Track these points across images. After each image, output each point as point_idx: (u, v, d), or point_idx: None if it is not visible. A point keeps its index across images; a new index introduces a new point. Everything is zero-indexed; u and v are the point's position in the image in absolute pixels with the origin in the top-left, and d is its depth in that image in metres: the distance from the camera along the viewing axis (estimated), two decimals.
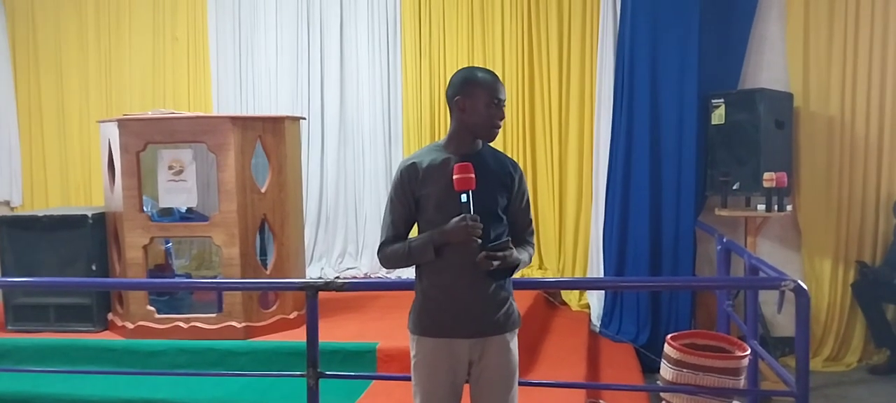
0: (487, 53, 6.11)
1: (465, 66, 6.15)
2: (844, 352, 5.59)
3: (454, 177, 2.38)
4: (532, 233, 2.65)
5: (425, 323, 2.53)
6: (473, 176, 2.37)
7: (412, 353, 2.58)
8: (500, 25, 6.08)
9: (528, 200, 2.63)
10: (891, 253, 5.42)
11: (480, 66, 6.31)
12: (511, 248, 2.42)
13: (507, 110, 5.92)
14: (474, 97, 2.46)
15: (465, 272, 2.43)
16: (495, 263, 2.36)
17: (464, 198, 2.38)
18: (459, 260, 2.42)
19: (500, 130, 2.53)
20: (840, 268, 5.59)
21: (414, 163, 2.51)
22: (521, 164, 5.93)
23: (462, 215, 2.36)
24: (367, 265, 6.40)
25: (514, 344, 2.59)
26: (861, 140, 5.55)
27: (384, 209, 2.60)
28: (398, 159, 6.31)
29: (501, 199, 2.52)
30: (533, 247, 2.65)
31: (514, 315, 2.58)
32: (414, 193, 2.50)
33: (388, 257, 2.55)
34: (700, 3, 5.41)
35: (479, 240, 2.37)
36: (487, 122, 2.47)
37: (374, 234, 6.40)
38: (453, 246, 2.40)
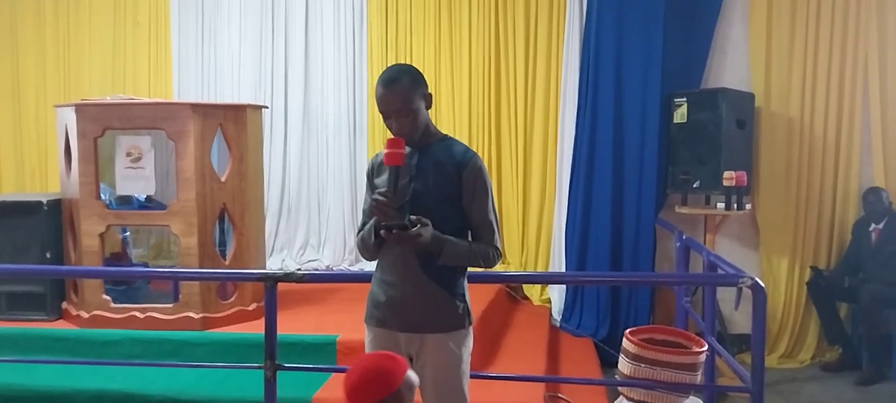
0: (454, 47, 6.10)
1: (432, 60, 6.17)
2: (799, 350, 5.69)
3: (384, 151, 2.40)
4: (491, 233, 2.49)
5: (369, 311, 2.57)
6: (403, 151, 2.37)
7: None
8: (468, 20, 6.06)
9: (481, 196, 2.47)
10: (849, 251, 5.53)
11: (447, 60, 6.29)
12: (412, 230, 2.28)
13: (474, 105, 6.00)
14: None
15: (397, 263, 2.44)
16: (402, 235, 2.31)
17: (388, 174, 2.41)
18: (394, 250, 2.44)
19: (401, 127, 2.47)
20: (797, 267, 5.68)
21: (377, 154, 2.59)
22: (485, 159, 5.95)
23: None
24: (330, 257, 6.34)
25: (457, 345, 2.48)
26: (819, 140, 5.65)
27: None
28: (363, 152, 6.30)
29: (445, 190, 2.45)
30: (489, 247, 2.48)
31: (455, 316, 2.47)
32: (375, 184, 2.55)
33: (358, 245, 2.60)
34: (665, 3, 5.47)
35: (396, 220, 2.33)
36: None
37: (336, 227, 6.37)
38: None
